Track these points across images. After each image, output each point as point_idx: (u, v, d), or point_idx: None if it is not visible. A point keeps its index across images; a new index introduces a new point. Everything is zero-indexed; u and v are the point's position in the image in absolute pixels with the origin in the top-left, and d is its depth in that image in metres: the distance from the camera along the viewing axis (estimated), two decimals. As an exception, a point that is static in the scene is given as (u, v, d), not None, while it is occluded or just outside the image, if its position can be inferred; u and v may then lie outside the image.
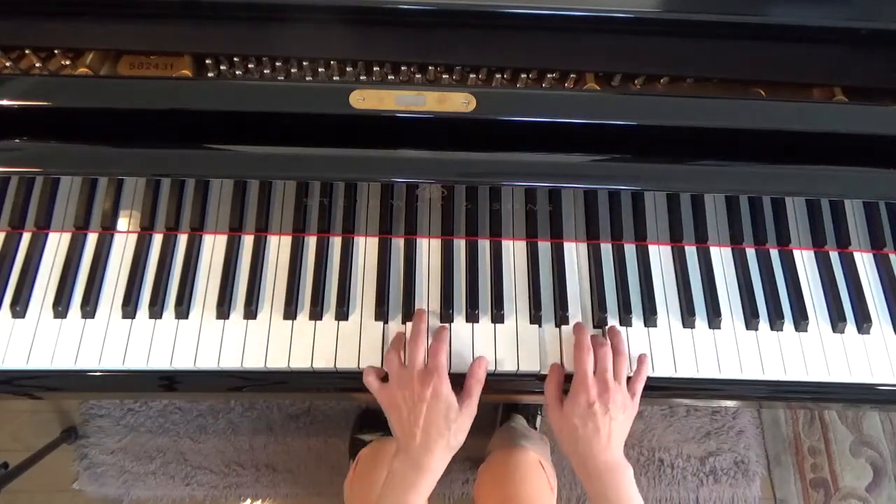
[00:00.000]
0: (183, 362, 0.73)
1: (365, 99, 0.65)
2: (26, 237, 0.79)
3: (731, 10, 0.73)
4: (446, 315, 0.76)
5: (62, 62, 0.74)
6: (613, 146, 0.69)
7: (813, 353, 0.76)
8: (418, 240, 0.80)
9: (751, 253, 0.81)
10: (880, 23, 0.73)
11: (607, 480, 0.66)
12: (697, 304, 0.78)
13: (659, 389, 0.77)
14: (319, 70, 0.75)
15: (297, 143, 0.67)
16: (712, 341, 0.76)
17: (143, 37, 0.74)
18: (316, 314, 0.76)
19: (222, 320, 0.75)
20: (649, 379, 0.75)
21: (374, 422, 1.44)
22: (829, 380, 0.75)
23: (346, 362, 0.74)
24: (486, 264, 0.79)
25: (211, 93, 0.67)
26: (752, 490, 1.49)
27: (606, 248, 0.81)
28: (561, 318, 0.76)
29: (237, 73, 0.76)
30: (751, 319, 0.77)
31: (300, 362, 0.74)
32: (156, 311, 0.75)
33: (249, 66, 0.75)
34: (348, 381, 0.75)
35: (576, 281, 0.79)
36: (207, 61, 0.74)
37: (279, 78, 0.75)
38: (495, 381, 0.76)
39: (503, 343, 0.75)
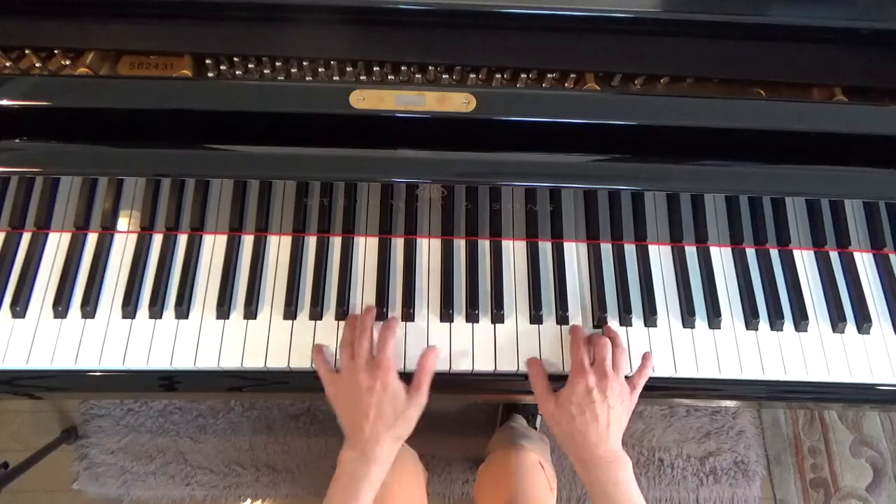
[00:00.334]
0: (183, 362, 0.73)
1: (365, 99, 0.65)
2: (26, 237, 0.79)
3: (731, 10, 0.73)
4: (446, 315, 0.76)
5: (62, 62, 0.74)
6: (613, 146, 0.69)
7: (813, 353, 0.76)
8: (418, 240, 0.80)
9: (751, 253, 0.81)
10: (880, 23, 0.73)
11: (605, 473, 0.65)
12: (697, 304, 0.78)
13: (659, 389, 0.77)
14: (319, 70, 0.75)
15: (297, 143, 0.67)
16: (712, 341, 0.76)
17: (143, 37, 0.74)
18: (316, 314, 0.76)
19: (222, 320, 0.75)
20: (649, 379, 0.75)
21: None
22: (829, 380, 0.75)
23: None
24: (486, 264, 0.79)
25: (211, 93, 0.67)
26: (752, 490, 1.49)
27: (606, 248, 0.81)
28: (561, 318, 0.76)
29: (237, 73, 0.76)
30: (751, 319, 0.77)
31: (300, 362, 0.74)
32: (156, 311, 0.75)
33: (249, 66, 0.75)
34: (348, 381, 0.75)
35: (576, 281, 0.79)
36: (207, 61, 0.74)
37: (279, 78, 0.75)
38: (495, 382, 0.76)
39: (503, 343, 0.75)
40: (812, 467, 1.53)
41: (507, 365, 0.74)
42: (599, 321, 0.77)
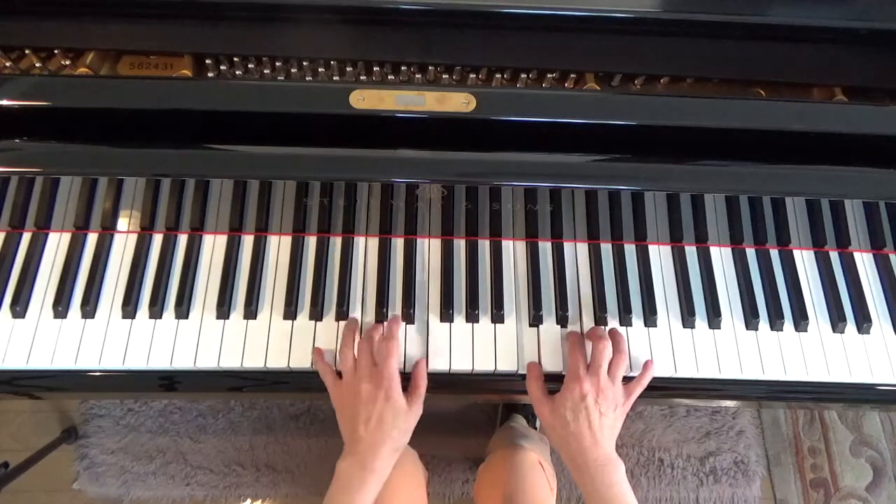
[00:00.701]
0: (183, 362, 0.73)
1: (365, 99, 0.65)
2: (26, 237, 0.79)
3: (731, 10, 0.73)
4: (446, 315, 0.76)
5: (62, 62, 0.74)
6: (613, 146, 0.69)
7: (813, 353, 0.76)
8: (418, 240, 0.80)
9: (751, 253, 0.81)
10: (880, 23, 0.73)
11: (599, 476, 0.66)
12: (697, 304, 0.78)
13: (659, 389, 0.77)
14: (319, 70, 0.75)
15: (297, 143, 0.67)
16: (712, 341, 0.76)
17: (143, 37, 0.74)
18: (316, 314, 0.76)
19: (222, 320, 0.75)
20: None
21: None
22: (829, 380, 0.75)
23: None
24: (486, 264, 0.79)
25: (211, 93, 0.67)
26: (752, 490, 1.49)
27: (606, 248, 0.81)
28: (561, 319, 0.76)
29: (237, 73, 0.76)
30: (751, 319, 0.77)
31: (300, 362, 0.74)
32: (156, 311, 0.75)
33: (249, 66, 0.75)
34: (348, 381, 0.75)
35: (576, 281, 0.79)
36: (207, 61, 0.74)
37: (279, 78, 0.75)
38: (495, 382, 0.76)
39: (503, 343, 0.75)
40: (812, 467, 1.53)
41: (507, 365, 0.74)
42: (599, 321, 0.77)
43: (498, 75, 0.75)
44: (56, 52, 0.74)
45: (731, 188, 0.74)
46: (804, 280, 0.80)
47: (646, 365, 0.73)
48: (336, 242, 0.80)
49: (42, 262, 0.77)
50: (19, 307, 0.74)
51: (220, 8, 0.72)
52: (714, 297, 0.78)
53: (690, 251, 0.81)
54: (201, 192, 0.80)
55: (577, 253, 0.80)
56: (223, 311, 0.75)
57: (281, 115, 0.67)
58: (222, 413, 1.51)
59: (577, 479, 0.68)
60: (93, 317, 0.75)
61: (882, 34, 0.74)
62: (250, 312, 0.75)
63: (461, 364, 0.74)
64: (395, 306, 0.77)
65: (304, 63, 0.74)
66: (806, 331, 0.77)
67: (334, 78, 0.75)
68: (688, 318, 0.77)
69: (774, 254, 0.81)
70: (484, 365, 0.74)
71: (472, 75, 0.76)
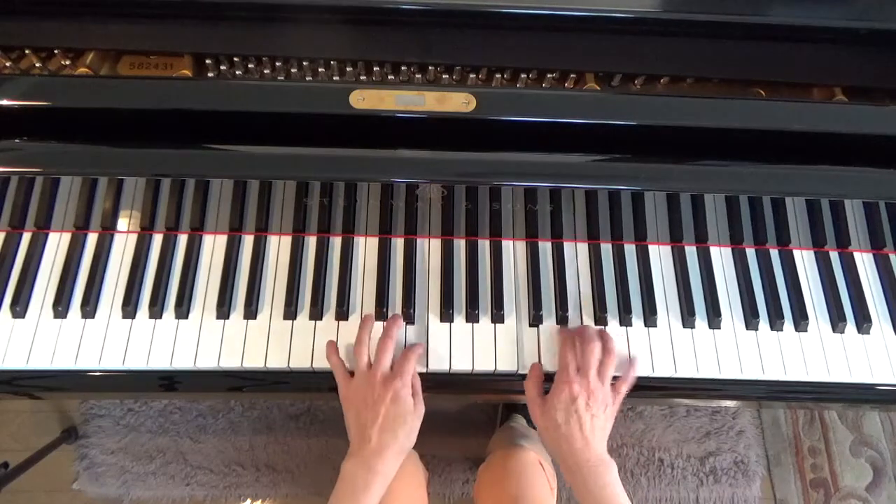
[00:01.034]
0: (183, 362, 0.73)
1: (365, 99, 0.65)
2: (26, 237, 0.79)
3: (731, 10, 0.73)
4: (446, 315, 0.76)
5: (62, 62, 0.74)
6: (613, 146, 0.69)
7: (813, 353, 0.76)
8: (418, 240, 0.80)
9: (751, 253, 0.81)
10: (880, 23, 0.73)
11: (591, 477, 0.65)
12: (697, 304, 0.78)
13: (659, 389, 0.77)
14: (319, 70, 0.75)
15: (297, 143, 0.67)
16: (712, 341, 0.76)
17: (143, 37, 0.74)
18: (316, 314, 0.76)
19: (222, 320, 0.75)
20: (649, 379, 0.75)
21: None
22: (829, 380, 0.75)
23: (347, 362, 0.73)
24: (486, 264, 0.79)
25: (211, 93, 0.67)
26: (752, 490, 1.49)
27: (606, 248, 0.81)
28: (561, 318, 0.76)
29: (237, 73, 0.76)
30: (751, 319, 0.77)
31: (300, 362, 0.74)
32: (156, 311, 0.75)
33: (249, 66, 0.75)
34: (348, 381, 0.75)
35: (576, 281, 0.79)
36: (207, 61, 0.74)
37: (279, 78, 0.75)
38: (495, 382, 0.76)
39: (503, 343, 0.75)
40: (812, 467, 1.53)
41: (507, 365, 0.74)
42: (599, 321, 0.77)
43: (498, 75, 0.75)
44: (56, 52, 0.74)
45: (731, 188, 0.74)
46: (804, 280, 0.80)
47: (631, 362, 0.73)
48: (336, 242, 0.80)
49: (42, 262, 0.77)
50: (19, 307, 0.74)
51: (220, 8, 0.72)
52: (714, 297, 0.78)
53: (690, 251, 0.81)
54: (201, 192, 0.80)
55: (577, 253, 0.80)
56: (223, 311, 0.75)
57: (281, 115, 0.67)
58: (222, 413, 1.51)
59: (569, 481, 0.68)
60: (93, 317, 0.75)
61: (882, 34, 0.74)
62: (250, 312, 0.75)
63: (461, 364, 0.74)
64: (395, 306, 0.77)
65: (304, 63, 0.74)
66: (806, 331, 0.77)
67: (334, 78, 0.75)
68: (688, 318, 0.77)
69: (774, 254, 0.81)
70: (484, 365, 0.74)
71: (472, 75, 0.76)
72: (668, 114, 0.67)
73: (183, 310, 0.75)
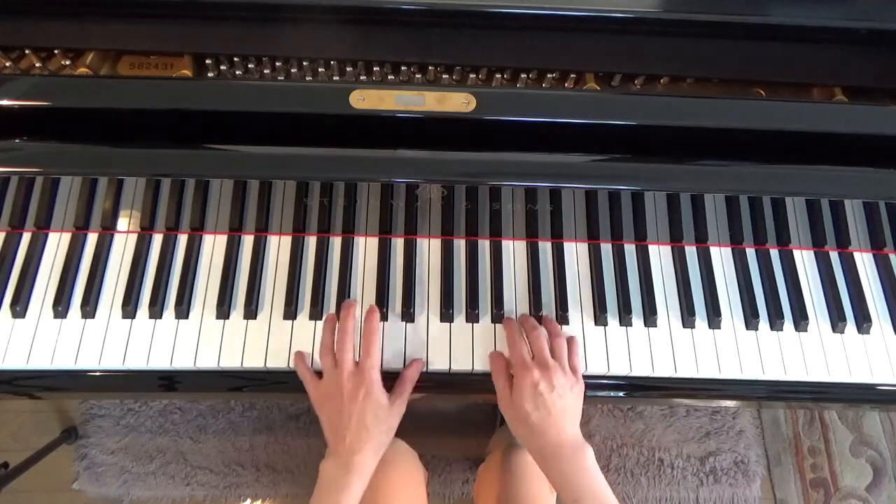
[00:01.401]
0: (183, 362, 0.73)
1: (365, 99, 0.65)
2: (26, 237, 0.79)
3: (731, 10, 0.73)
4: (446, 315, 0.76)
5: (62, 62, 0.74)
6: (613, 146, 0.69)
7: (813, 353, 0.76)
8: (418, 240, 0.80)
9: (751, 253, 0.81)
10: (880, 23, 0.73)
11: (566, 461, 0.65)
12: (697, 304, 0.78)
13: (659, 389, 0.77)
14: (319, 70, 0.75)
15: (297, 143, 0.67)
16: (712, 341, 0.76)
17: (143, 37, 0.74)
18: (316, 314, 0.76)
19: (222, 320, 0.75)
20: (649, 379, 0.75)
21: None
22: (829, 380, 0.75)
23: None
24: (486, 264, 0.79)
25: (211, 93, 0.67)
26: (752, 490, 1.49)
27: (606, 248, 0.81)
28: (561, 318, 0.76)
29: (237, 73, 0.76)
30: (751, 319, 0.77)
31: (300, 362, 0.73)
32: (156, 311, 0.75)
33: (249, 66, 0.75)
34: (348, 381, 0.75)
35: (576, 281, 0.79)
36: (207, 61, 0.74)
37: (279, 78, 0.75)
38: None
39: (503, 343, 0.75)
40: (812, 467, 1.53)
41: (507, 365, 0.74)
42: (600, 321, 0.77)
43: (498, 75, 0.75)
44: (56, 52, 0.74)
45: (731, 188, 0.74)
46: (804, 280, 0.80)
47: (570, 339, 0.73)
48: (336, 242, 0.80)
49: (42, 262, 0.77)
50: (19, 307, 0.74)
51: (220, 8, 0.72)
52: (714, 296, 0.78)
53: (690, 251, 0.81)
54: (201, 192, 0.80)
55: (577, 253, 0.80)
56: (223, 310, 0.75)
57: (281, 115, 0.67)
58: (222, 413, 1.51)
59: (546, 473, 0.67)
60: (93, 317, 0.75)
61: (882, 34, 0.74)
62: (250, 312, 0.75)
63: (461, 364, 0.74)
64: (395, 306, 0.77)
65: (304, 63, 0.74)
66: (806, 331, 0.77)
67: (334, 78, 0.75)
68: (688, 318, 0.77)
69: (774, 254, 0.81)
70: (484, 365, 0.74)
71: (472, 75, 0.76)
72: (668, 114, 0.67)
73: (183, 309, 0.75)
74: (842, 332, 0.78)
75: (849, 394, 0.77)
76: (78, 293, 0.76)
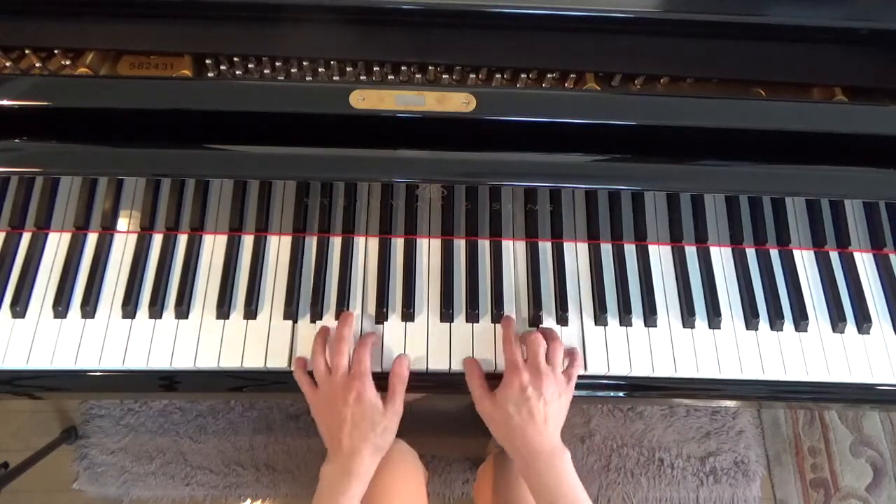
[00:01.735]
0: (183, 362, 0.73)
1: (365, 99, 0.65)
2: (26, 237, 0.79)
3: (731, 10, 0.73)
4: (446, 315, 0.76)
5: (62, 62, 0.74)
6: (613, 146, 0.69)
7: (813, 353, 0.76)
8: (418, 240, 0.80)
9: (751, 253, 0.81)
10: (880, 23, 0.73)
11: (545, 466, 0.65)
12: (697, 304, 0.78)
13: (659, 389, 0.77)
14: (319, 70, 0.75)
15: (297, 143, 0.67)
16: (712, 341, 0.76)
17: (143, 37, 0.74)
18: (316, 314, 0.76)
19: (222, 320, 0.75)
20: (649, 379, 0.75)
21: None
22: (829, 380, 0.75)
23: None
24: (486, 264, 0.79)
25: (211, 93, 0.67)
26: (752, 490, 1.49)
27: (606, 248, 0.81)
28: (560, 318, 0.76)
29: (237, 73, 0.76)
30: (751, 319, 0.77)
31: (300, 362, 0.73)
32: (156, 311, 0.75)
33: (249, 66, 0.75)
34: (348, 381, 0.75)
35: (576, 281, 0.79)
36: (207, 61, 0.74)
37: (279, 78, 0.75)
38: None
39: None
40: (812, 467, 1.53)
41: (507, 365, 0.74)
42: (600, 321, 0.77)
43: (498, 75, 0.75)
44: (56, 52, 0.74)
45: (731, 188, 0.74)
46: (804, 280, 0.80)
47: (573, 351, 0.73)
48: (336, 242, 0.80)
49: (42, 262, 0.77)
50: (19, 307, 0.74)
51: (220, 8, 0.72)
52: (714, 297, 0.78)
53: (690, 251, 0.81)
54: (201, 192, 0.80)
55: (577, 253, 0.80)
56: (223, 311, 0.75)
57: (281, 114, 0.67)
58: (222, 413, 1.51)
59: (523, 474, 0.67)
60: (93, 317, 0.75)
61: (882, 34, 0.74)
62: (250, 312, 0.75)
63: (461, 364, 0.74)
64: (395, 306, 0.77)
65: (304, 63, 0.74)
66: (806, 331, 0.77)
67: (334, 78, 0.75)
68: (688, 318, 0.77)
69: (774, 254, 0.81)
70: (484, 365, 0.74)
71: (472, 75, 0.76)
72: (668, 114, 0.67)
73: (183, 310, 0.75)
74: (842, 332, 0.78)
75: (849, 394, 0.77)
76: (78, 293, 0.76)
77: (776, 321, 0.77)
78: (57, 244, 0.78)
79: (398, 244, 0.80)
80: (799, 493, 1.51)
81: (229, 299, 0.76)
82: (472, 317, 0.76)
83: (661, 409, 1.52)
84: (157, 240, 0.79)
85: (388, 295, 0.77)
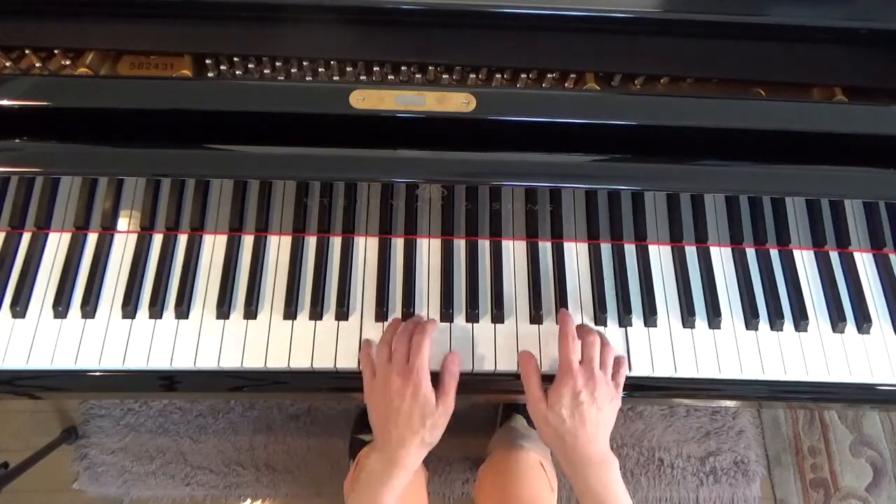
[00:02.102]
0: (183, 362, 0.73)
1: (365, 99, 0.65)
2: (26, 237, 0.79)
3: (731, 10, 0.73)
4: (446, 315, 0.76)
5: (62, 62, 0.74)
6: (613, 146, 0.69)
7: (813, 353, 0.76)
8: (418, 240, 0.80)
9: (751, 253, 0.81)
10: (880, 23, 0.73)
11: (594, 474, 0.65)
12: (697, 304, 0.78)
13: (659, 389, 0.77)
14: (319, 70, 0.75)
15: (297, 143, 0.67)
16: (712, 341, 0.76)
17: (143, 37, 0.74)
18: (316, 314, 0.76)
19: (222, 320, 0.75)
20: (649, 379, 0.75)
21: (373, 422, 1.44)
22: (829, 380, 0.75)
23: (346, 362, 0.74)
24: (486, 264, 0.79)
25: (211, 93, 0.67)
26: (752, 490, 1.49)
27: (606, 248, 0.81)
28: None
29: (237, 73, 0.76)
30: (751, 319, 0.77)
31: (300, 362, 0.74)
32: (156, 311, 0.75)
33: (249, 66, 0.75)
34: (348, 381, 0.75)
35: (576, 281, 0.79)
36: (207, 61, 0.74)
37: (279, 78, 0.75)
38: (495, 382, 0.76)
39: (503, 343, 0.75)
40: (812, 467, 1.53)
41: (508, 365, 0.74)
42: (599, 321, 0.77)
43: (498, 75, 0.75)
44: (56, 52, 0.74)
45: (731, 188, 0.74)
46: (804, 280, 0.80)
47: (617, 358, 0.73)
48: (336, 242, 0.80)
49: (42, 262, 0.77)
50: (19, 307, 0.74)
51: (220, 8, 0.72)
52: (714, 297, 0.78)
53: (690, 251, 0.81)
54: (201, 192, 0.80)
55: (577, 253, 0.80)
56: (223, 311, 0.75)
57: (281, 114, 0.67)
58: (222, 413, 1.51)
59: (570, 478, 0.67)
60: (93, 317, 0.75)
61: (882, 34, 0.74)
62: (250, 312, 0.75)
63: (462, 365, 0.74)
64: (395, 306, 0.77)
65: (304, 63, 0.74)
66: (806, 331, 0.77)
67: (334, 78, 0.75)
68: (688, 318, 0.77)
69: (774, 254, 0.81)
70: (484, 365, 0.74)
71: (472, 75, 0.76)
72: (668, 114, 0.67)
73: (183, 310, 0.75)
74: (842, 332, 0.78)
75: (849, 394, 0.77)
76: (78, 293, 0.76)
77: (776, 321, 0.77)
78: (57, 244, 0.78)
79: (398, 244, 0.80)
80: (799, 493, 1.51)
81: (229, 299, 0.76)
82: (472, 317, 0.76)
83: (661, 409, 1.52)
84: (157, 240, 0.79)
85: (389, 295, 0.77)
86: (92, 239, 0.79)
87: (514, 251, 0.80)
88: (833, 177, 0.70)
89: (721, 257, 0.81)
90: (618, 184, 0.73)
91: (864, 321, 0.77)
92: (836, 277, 0.80)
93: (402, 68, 0.75)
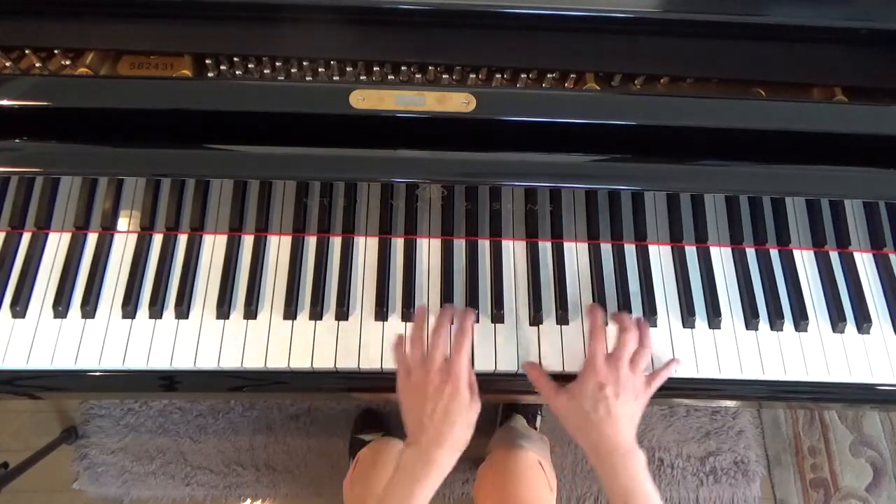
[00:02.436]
0: (183, 362, 0.73)
1: (365, 99, 0.65)
2: (26, 237, 0.79)
3: (731, 10, 0.73)
4: (446, 315, 0.76)
5: (62, 62, 0.74)
6: (613, 146, 0.69)
7: (813, 353, 0.76)
8: (418, 240, 0.80)
9: (751, 253, 0.81)
10: (880, 23, 0.73)
11: (621, 466, 0.65)
12: (697, 304, 0.78)
13: (659, 389, 0.76)
14: (319, 70, 0.75)
15: (297, 143, 0.67)
16: (712, 341, 0.76)
17: (143, 37, 0.74)
18: (316, 314, 0.76)
19: (222, 320, 0.75)
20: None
21: (373, 422, 1.44)
22: (829, 380, 0.75)
23: (346, 362, 0.74)
24: (486, 264, 0.79)
25: (211, 93, 0.67)
26: (752, 490, 1.49)
27: (606, 248, 0.81)
28: (561, 318, 0.76)
29: (237, 73, 0.76)
30: (751, 319, 0.77)
31: (300, 362, 0.74)
32: (156, 310, 0.75)
33: (249, 66, 0.75)
34: (348, 381, 0.75)
35: (576, 281, 0.79)
36: (207, 61, 0.74)
37: (279, 78, 0.75)
38: (495, 381, 0.76)
39: (503, 343, 0.75)
40: (812, 467, 1.53)
41: (507, 365, 0.74)
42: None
43: (498, 75, 0.75)
44: (56, 52, 0.74)
45: (731, 188, 0.74)
46: (804, 280, 0.80)
47: (670, 361, 0.73)
48: (336, 242, 0.80)
49: (42, 262, 0.77)
50: (19, 307, 0.74)
51: (220, 8, 0.73)
52: (714, 296, 0.78)
53: (690, 251, 0.81)
54: (201, 192, 0.80)
55: (577, 253, 0.80)
56: (223, 311, 0.75)
57: (281, 114, 0.67)
58: (222, 413, 1.51)
59: (597, 469, 0.67)
60: (93, 317, 0.75)
61: (882, 34, 0.74)
62: (250, 312, 0.75)
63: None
64: (395, 306, 0.77)
65: (304, 63, 0.74)
66: (806, 331, 0.77)
67: (334, 78, 0.75)
68: (688, 318, 0.77)
69: (774, 254, 0.81)
70: (484, 365, 0.74)
71: (472, 75, 0.76)
72: (668, 114, 0.67)
73: (183, 309, 0.75)
74: (842, 332, 0.78)
75: (849, 394, 0.77)
76: (78, 293, 0.76)
77: (776, 321, 0.77)
78: (57, 244, 0.78)
79: (398, 244, 0.80)
80: (799, 492, 1.51)
81: (229, 299, 0.76)
82: (472, 317, 0.76)
83: (661, 409, 1.52)
84: (157, 240, 0.79)
85: (388, 295, 0.77)
86: (92, 239, 0.79)
87: (514, 251, 0.80)
88: (833, 177, 0.70)
89: (721, 257, 0.81)
90: (618, 184, 0.73)
91: (864, 321, 0.77)
92: (836, 277, 0.80)
93: (402, 68, 0.75)
